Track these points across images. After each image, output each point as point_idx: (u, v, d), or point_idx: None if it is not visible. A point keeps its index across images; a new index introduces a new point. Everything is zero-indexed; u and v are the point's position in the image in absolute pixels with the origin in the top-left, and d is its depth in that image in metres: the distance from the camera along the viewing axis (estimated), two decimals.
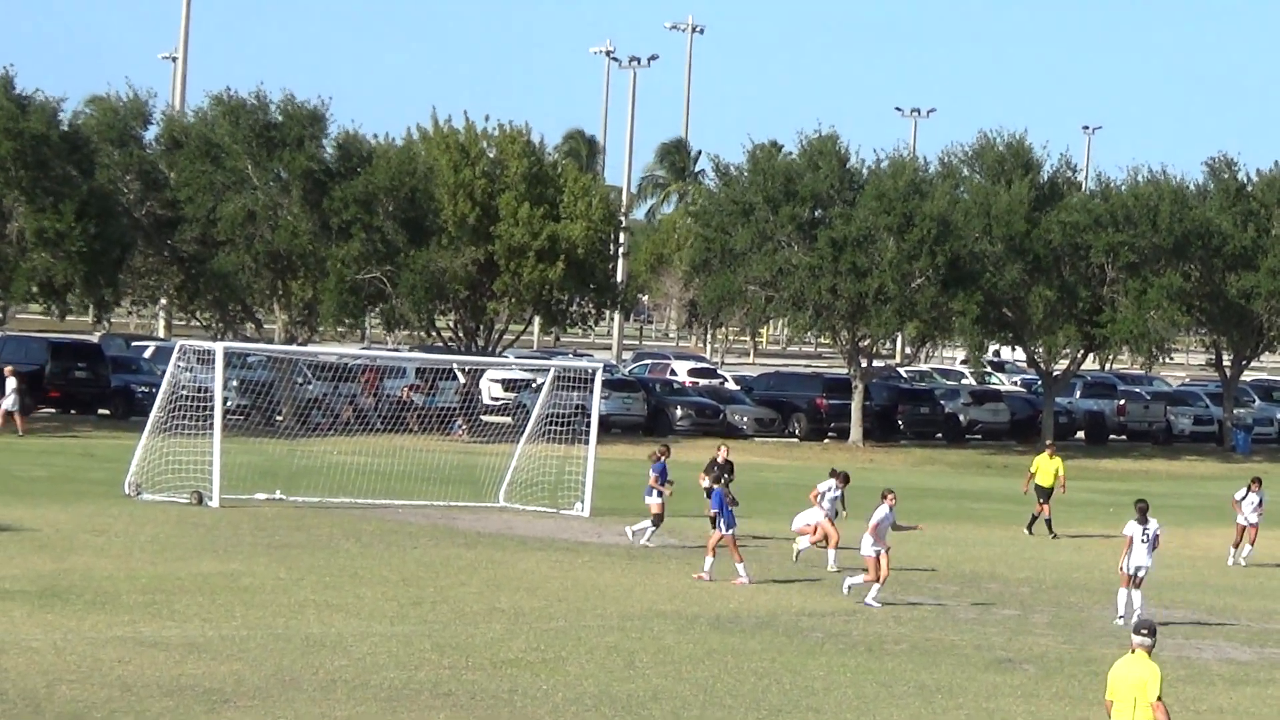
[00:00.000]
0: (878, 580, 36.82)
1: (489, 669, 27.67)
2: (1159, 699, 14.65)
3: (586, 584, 37.60)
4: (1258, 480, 46.98)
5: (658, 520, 42.92)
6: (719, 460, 45.16)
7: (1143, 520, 37.41)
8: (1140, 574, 37.67)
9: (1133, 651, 15.28)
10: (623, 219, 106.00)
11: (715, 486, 41.06)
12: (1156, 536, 37.82)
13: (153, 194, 76.09)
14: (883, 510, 36.64)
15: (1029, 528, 50.96)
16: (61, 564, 37.22)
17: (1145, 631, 15.70)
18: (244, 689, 24.27)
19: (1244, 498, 45.41)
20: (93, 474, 54.13)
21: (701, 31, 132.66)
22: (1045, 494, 51.82)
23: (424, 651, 29.10)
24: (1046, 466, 53.09)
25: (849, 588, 37.68)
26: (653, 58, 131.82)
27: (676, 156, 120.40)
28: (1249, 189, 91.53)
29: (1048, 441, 63.82)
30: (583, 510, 47.59)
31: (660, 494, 42.59)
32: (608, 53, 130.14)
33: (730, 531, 37.86)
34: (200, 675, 25.40)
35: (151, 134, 78.75)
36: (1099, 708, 22.57)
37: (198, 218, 74.27)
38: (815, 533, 40.39)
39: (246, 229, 74.71)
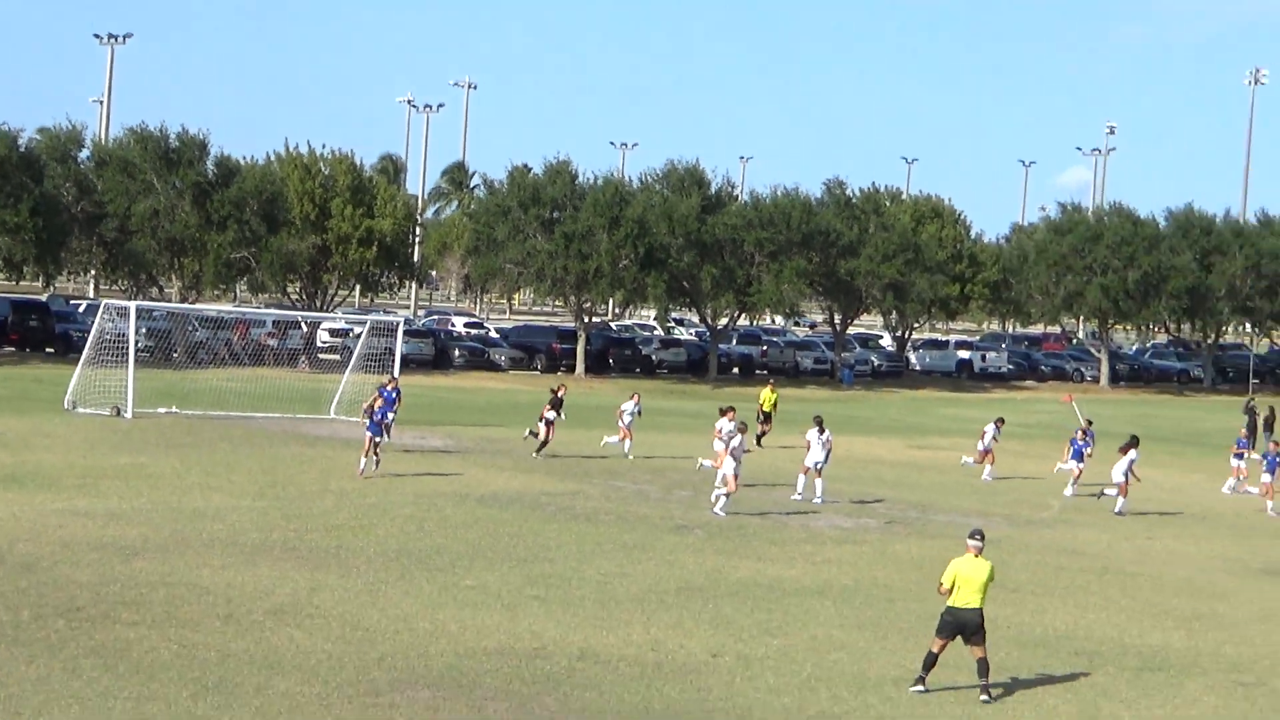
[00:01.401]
0: (730, 491, 42.20)
1: (322, 532, 35.53)
2: (990, 581, 22.90)
3: (390, 473, 45.34)
4: (1001, 419, 56.07)
5: None
6: (558, 394, 54.11)
7: (820, 430, 46.42)
8: (818, 466, 46.25)
9: (973, 554, 22.74)
10: (418, 218, 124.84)
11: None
12: (829, 440, 47.17)
13: (85, 197, 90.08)
14: (727, 426, 45.08)
15: (758, 441, 57.93)
16: (18, 458, 44.95)
17: (977, 538, 22.99)
18: (149, 546, 31.99)
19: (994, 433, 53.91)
20: (41, 395, 62.56)
21: (475, 87, 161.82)
22: (766, 417, 61.65)
23: (276, 520, 36.87)
24: (768, 397, 63.56)
25: (700, 465, 46.00)
26: (440, 105, 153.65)
27: (457, 174, 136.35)
28: (854, 201, 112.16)
29: (770, 379, 75.36)
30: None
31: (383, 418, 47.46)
32: (409, 101, 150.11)
33: (378, 437, 44.41)
34: (118, 536, 33.07)
35: (84, 154, 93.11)
36: (749, 559, 35.50)
37: (117, 214, 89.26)
38: (720, 462, 43.52)
39: (152, 222, 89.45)
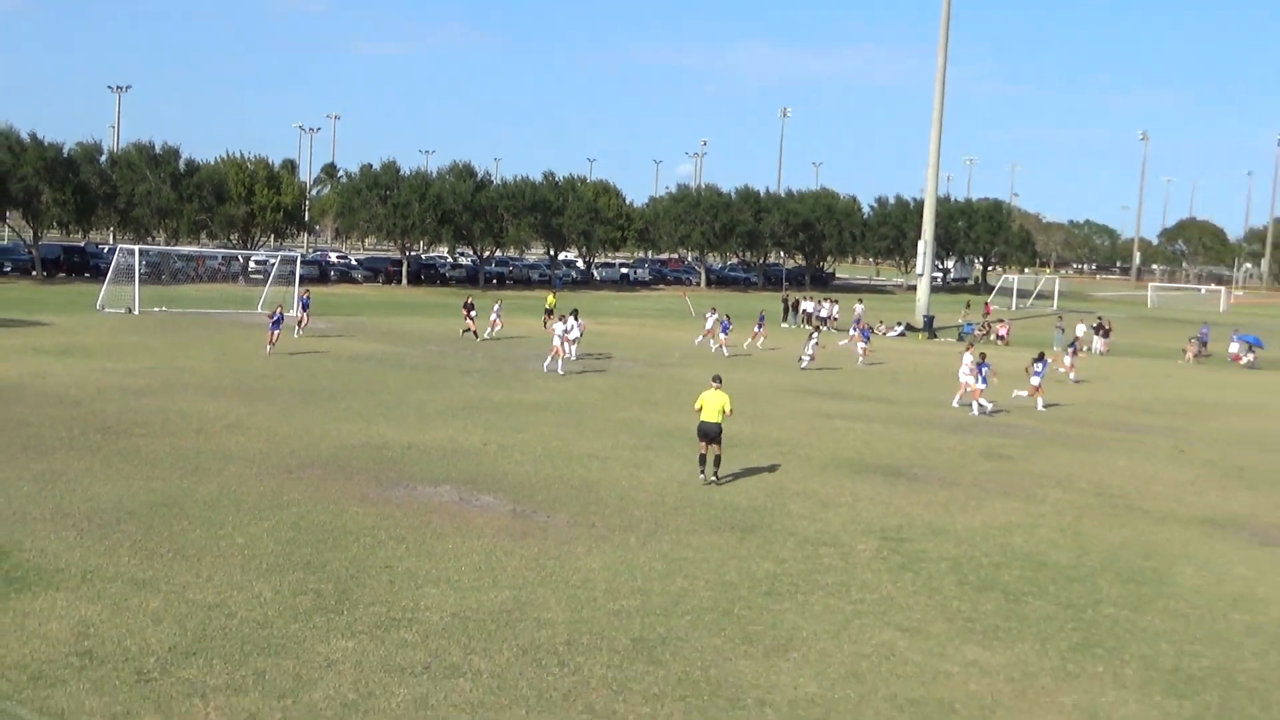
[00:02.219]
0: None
1: (255, 379, 36.07)
2: (729, 410, 22.83)
3: (288, 351, 45.62)
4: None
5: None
6: (468, 302, 54.08)
7: (575, 317, 43.44)
8: (574, 341, 43.20)
9: (714, 388, 22.89)
10: (307, 196, 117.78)
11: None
12: (582, 325, 44.85)
13: (105, 184, 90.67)
14: (560, 326, 41.55)
15: (545, 325, 52.43)
16: (69, 339, 44.46)
17: (717, 381, 23.48)
18: (151, 390, 32.17)
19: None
20: (82, 302, 61.69)
21: (339, 117, 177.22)
22: (549, 311, 56.98)
23: (227, 373, 36.57)
24: (551, 299, 61.58)
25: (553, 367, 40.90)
26: (316, 129, 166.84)
27: (329, 169, 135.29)
28: (560, 183, 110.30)
29: (553, 287, 79.15)
30: (294, 313, 50.61)
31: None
32: (300, 126, 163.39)
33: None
34: (132, 384, 32.86)
35: (104, 158, 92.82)
36: (504, 390, 37.09)
37: (125, 194, 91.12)
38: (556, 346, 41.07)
39: (146, 198, 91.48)
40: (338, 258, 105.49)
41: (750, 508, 21.72)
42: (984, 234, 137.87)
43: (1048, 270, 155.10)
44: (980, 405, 36.87)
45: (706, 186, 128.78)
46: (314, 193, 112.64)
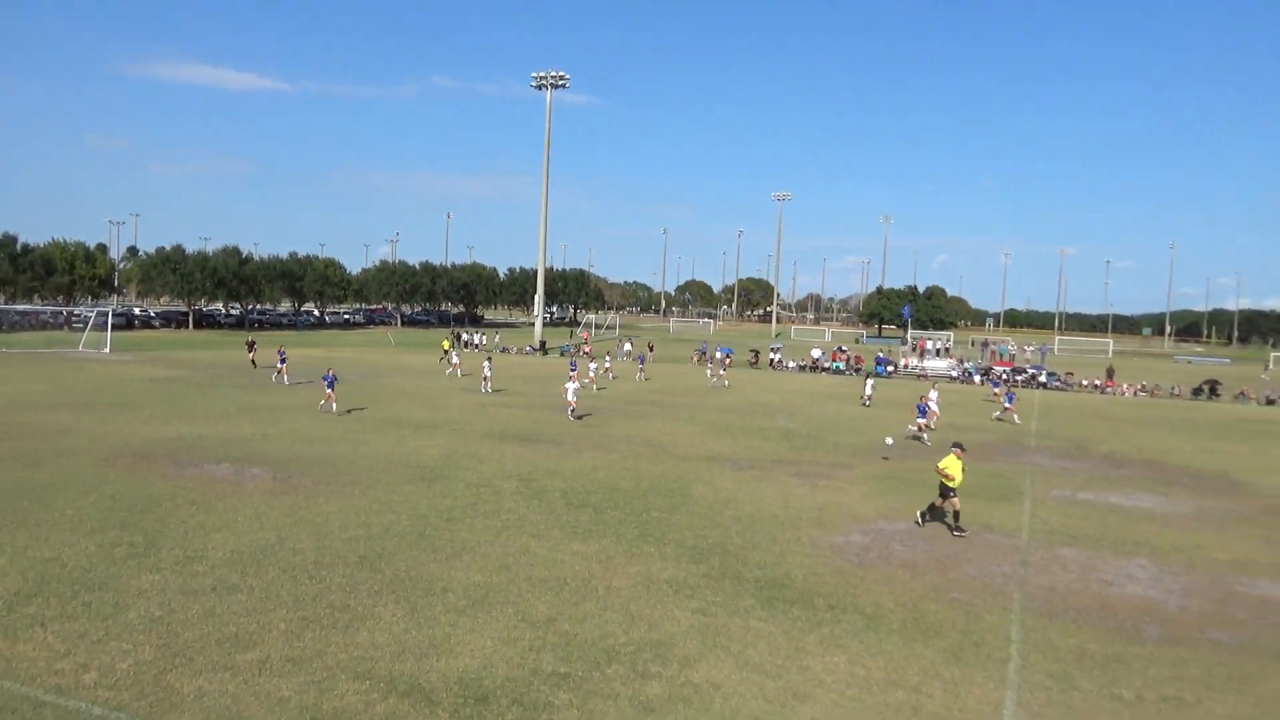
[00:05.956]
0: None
1: (80, 395, 35.62)
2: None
3: (117, 372, 45.68)
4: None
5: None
6: (251, 343, 46.15)
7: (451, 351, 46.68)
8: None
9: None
10: (116, 269, 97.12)
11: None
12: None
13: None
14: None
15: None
16: None
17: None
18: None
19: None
20: None
21: (139, 215, 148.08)
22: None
23: (59, 393, 36.66)
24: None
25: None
26: (122, 221, 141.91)
27: (131, 251, 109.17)
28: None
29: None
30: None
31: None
32: (111, 220, 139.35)
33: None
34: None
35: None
36: (276, 398, 45.00)
37: None
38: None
39: None
40: (140, 311, 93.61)
41: (435, 465, 21.22)
42: (574, 290, 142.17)
43: (612, 311, 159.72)
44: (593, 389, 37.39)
45: (400, 261, 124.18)
46: (121, 265, 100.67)
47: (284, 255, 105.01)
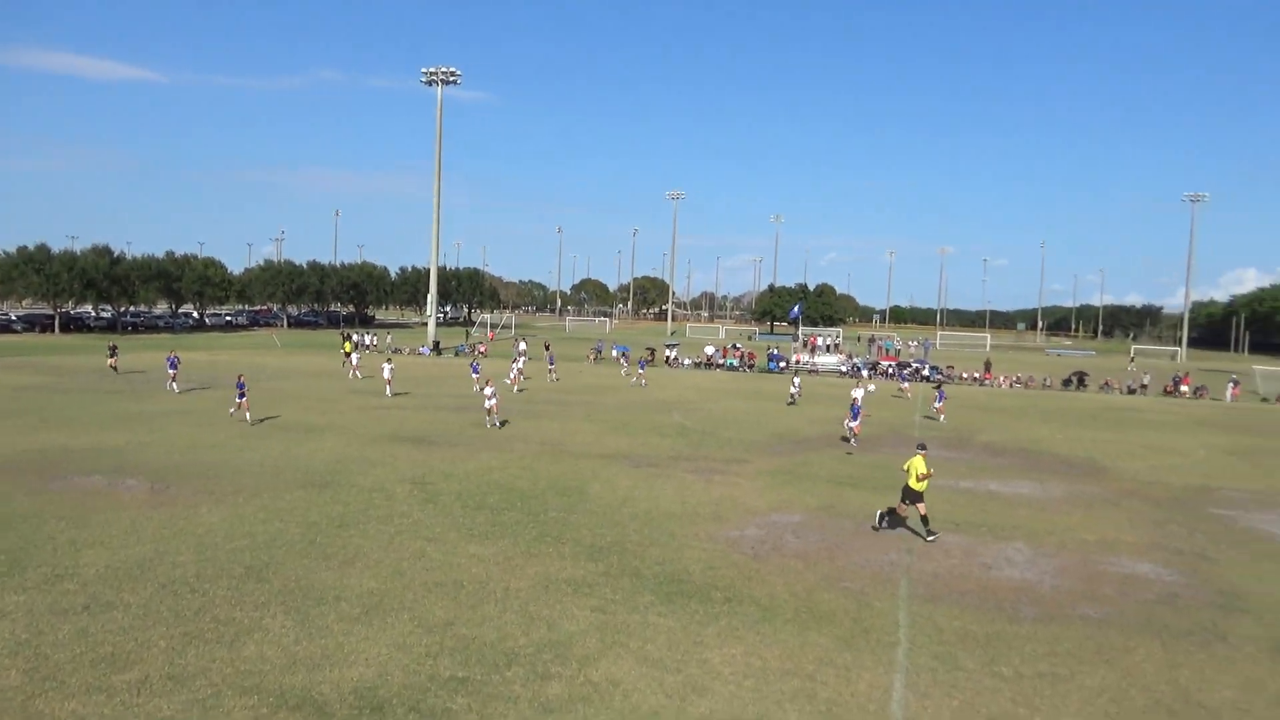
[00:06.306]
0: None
1: None
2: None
3: None
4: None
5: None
6: (113, 347, 43.93)
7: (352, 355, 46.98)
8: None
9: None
10: None
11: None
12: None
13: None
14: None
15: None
16: None
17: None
18: None
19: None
20: None
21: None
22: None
23: None
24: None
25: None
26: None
27: None
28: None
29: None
30: None
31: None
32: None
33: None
34: None
35: None
36: (149, 404, 41.88)
37: None
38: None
39: None
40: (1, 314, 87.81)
41: (325, 470, 20.69)
42: (468, 289, 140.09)
43: (507, 310, 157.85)
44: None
45: (285, 260, 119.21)
46: None
47: (160, 254, 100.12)
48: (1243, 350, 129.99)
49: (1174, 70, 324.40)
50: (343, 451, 23.24)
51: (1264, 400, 54.33)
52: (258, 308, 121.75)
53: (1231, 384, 56.21)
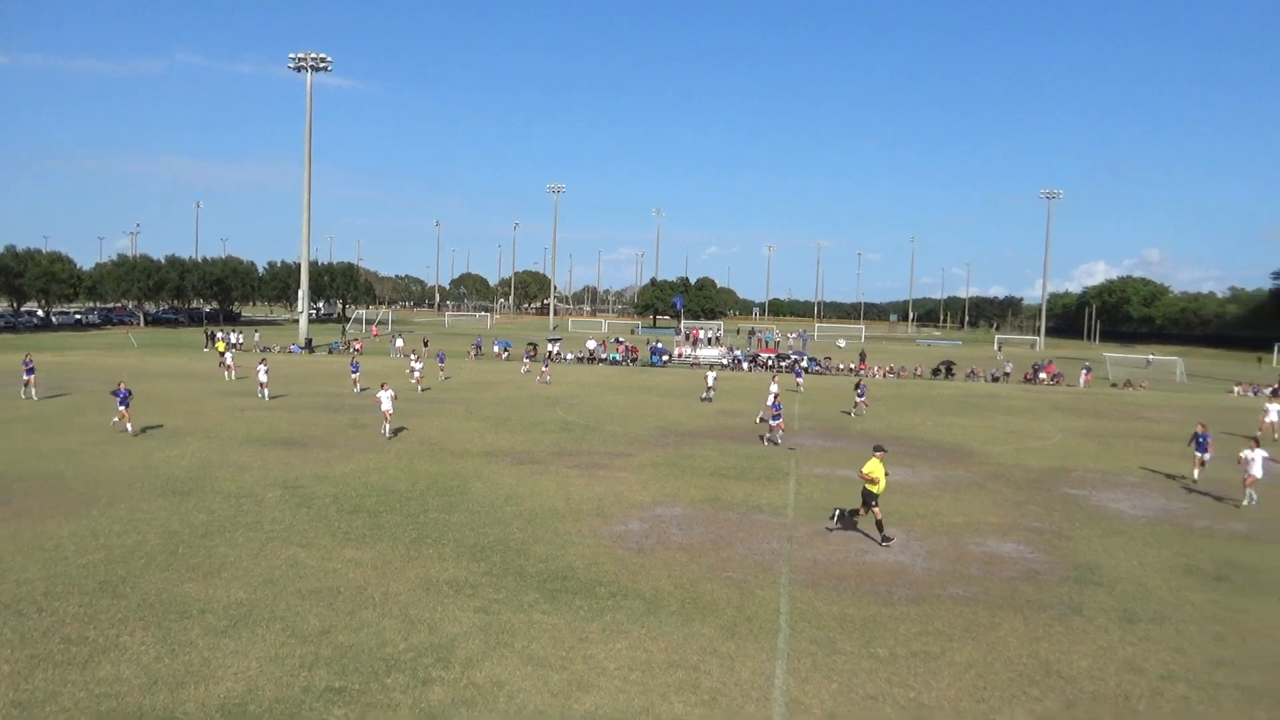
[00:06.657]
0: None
1: None
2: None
3: None
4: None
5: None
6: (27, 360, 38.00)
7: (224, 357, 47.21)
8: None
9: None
10: None
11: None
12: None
13: None
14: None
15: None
16: None
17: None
18: None
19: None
20: None
21: None
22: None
23: None
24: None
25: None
26: None
27: None
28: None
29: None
30: None
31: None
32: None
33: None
34: None
35: None
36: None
37: None
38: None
39: None
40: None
41: (188, 476, 19.69)
42: (342, 284, 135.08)
43: (384, 306, 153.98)
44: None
45: (141, 255, 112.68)
46: None
47: None
48: (1094, 339, 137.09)
49: (1032, 75, 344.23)
50: (208, 456, 22.23)
51: (1114, 385, 57.63)
52: (111, 305, 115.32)
53: (1085, 370, 60.08)
